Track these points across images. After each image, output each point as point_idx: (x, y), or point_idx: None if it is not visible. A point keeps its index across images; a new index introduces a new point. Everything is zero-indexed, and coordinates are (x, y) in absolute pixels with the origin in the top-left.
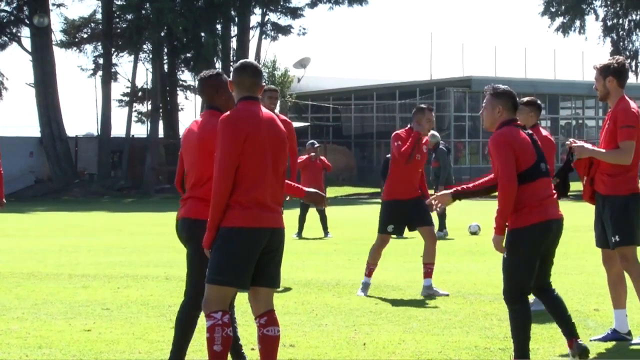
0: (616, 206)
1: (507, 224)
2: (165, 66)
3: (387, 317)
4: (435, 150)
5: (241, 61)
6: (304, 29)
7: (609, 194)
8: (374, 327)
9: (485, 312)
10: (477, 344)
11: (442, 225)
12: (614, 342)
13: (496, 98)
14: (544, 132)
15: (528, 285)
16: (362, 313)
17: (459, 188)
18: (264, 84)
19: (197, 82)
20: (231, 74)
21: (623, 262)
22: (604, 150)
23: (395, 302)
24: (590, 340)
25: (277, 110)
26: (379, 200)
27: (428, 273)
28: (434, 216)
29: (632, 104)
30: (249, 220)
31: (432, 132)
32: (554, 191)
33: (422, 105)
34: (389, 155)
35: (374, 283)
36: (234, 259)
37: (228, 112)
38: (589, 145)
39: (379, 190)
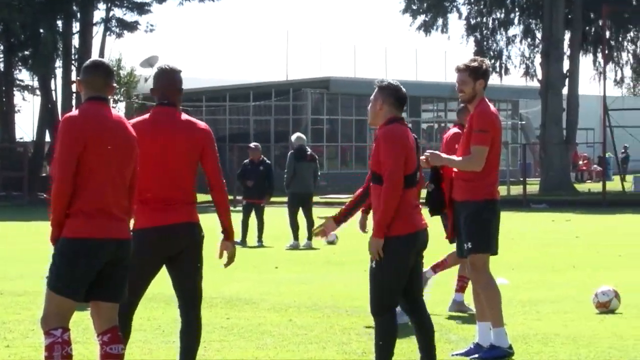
0: (469, 212)
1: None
2: (1, 65)
3: (239, 332)
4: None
5: (92, 59)
6: (152, 25)
7: (463, 200)
8: (225, 344)
9: (343, 327)
10: (334, 359)
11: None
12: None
13: (379, 91)
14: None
15: (396, 297)
16: (212, 329)
17: (336, 214)
18: (114, 84)
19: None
20: (81, 73)
21: (471, 271)
22: (456, 158)
23: (248, 317)
24: (452, 355)
25: (122, 112)
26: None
27: (462, 287)
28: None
29: (491, 107)
30: (93, 231)
31: (297, 134)
32: (428, 202)
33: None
34: (246, 161)
35: (224, 296)
36: (75, 269)
37: (72, 112)
38: (442, 154)
39: (231, 197)
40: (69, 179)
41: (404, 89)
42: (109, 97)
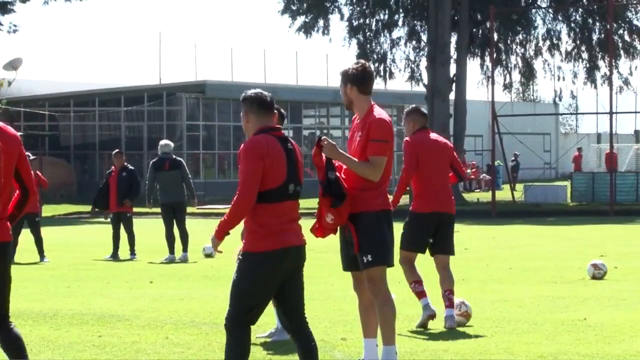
0: (367, 223)
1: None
2: None
3: (111, 351)
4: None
5: None
6: (15, 26)
7: (358, 211)
8: None
9: (222, 344)
10: None
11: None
12: None
13: (243, 104)
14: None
15: (256, 314)
16: (83, 347)
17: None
18: None
19: None
20: None
21: (370, 285)
22: (354, 159)
23: (121, 335)
24: None
25: None
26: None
27: (451, 302)
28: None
29: (385, 115)
30: None
31: (162, 141)
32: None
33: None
34: (109, 170)
35: (95, 313)
36: None
37: None
38: (339, 149)
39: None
40: None
41: (266, 94)
42: None
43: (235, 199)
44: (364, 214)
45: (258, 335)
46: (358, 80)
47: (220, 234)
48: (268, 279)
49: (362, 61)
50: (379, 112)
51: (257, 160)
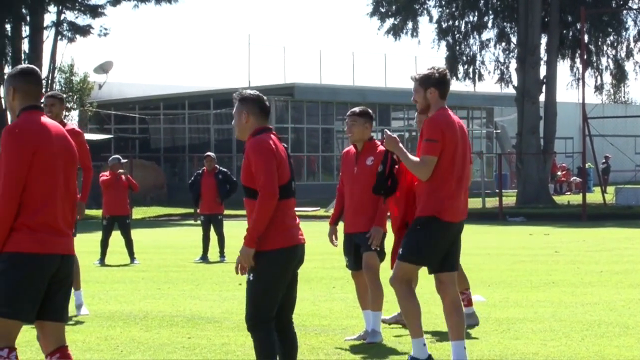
0: (414, 224)
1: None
2: None
3: (201, 353)
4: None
5: (23, 66)
6: (106, 29)
7: (415, 216)
8: None
9: (311, 346)
10: None
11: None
12: None
13: (242, 104)
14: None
15: (273, 312)
16: (173, 349)
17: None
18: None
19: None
20: (12, 80)
21: (391, 278)
22: (409, 155)
23: (211, 337)
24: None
25: (75, 121)
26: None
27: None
28: None
29: (445, 116)
30: (38, 246)
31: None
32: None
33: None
34: (199, 170)
35: (185, 315)
36: (21, 288)
37: (15, 123)
38: (400, 144)
39: (192, 210)
40: (17, 197)
41: (265, 98)
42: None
43: (261, 199)
44: (416, 219)
45: (347, 338)
46: (441, 84)
47: (254, 240)
48: (284, 275)
49: (443, 67)
50: (438, 114)
51: (273, 158)
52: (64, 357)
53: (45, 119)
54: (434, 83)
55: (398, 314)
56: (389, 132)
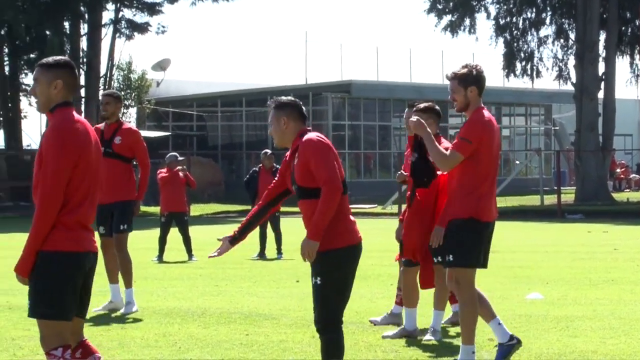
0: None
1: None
2: (6, 68)
3: (259, 349)
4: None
5: (65, 58)
6: (164, 26)
7: (450, 218)
8: None
9: (369, 343)
10: None
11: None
12: None
13: (279, 109)
14: (448, 144)
15: (342, 312)
16: (231, 346)
17: (232, 233)
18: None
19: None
20: (58, 71)
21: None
22: (436, 142)
23: (268, 334)
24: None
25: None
26: None
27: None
28: None
29: (485, 117)
30: (75, 244)
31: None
32: (413, 173)
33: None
34: (255, 168)
35: (243, 312)
36: (63, 287)
37: (61, 123)
38: (427, 130)
39: (249, 207)
40: (62, 195)
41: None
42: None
43: (326, 193)
44: (451, 221)
45: (385, 335)
46: (480, 81)
47: (320, 234)
48: (353, 273)
49: (479, 64)
50: (478, 115)
51: (332, 153)
52: (87, 348)
53: (79, 117)
54: (473, 81)
55: (451, 315)
56: (415, 117)
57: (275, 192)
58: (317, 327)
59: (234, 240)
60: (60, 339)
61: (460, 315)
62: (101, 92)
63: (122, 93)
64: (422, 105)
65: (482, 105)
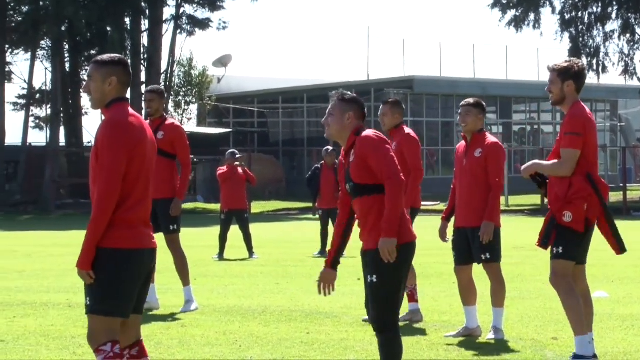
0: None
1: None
2: (67, 65)
3: (320, 348)
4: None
5: (119, 56)
6: (225, 22)
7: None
8: None
9: (430, 342)
10: None
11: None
12: None
13: (346, 104)
14: (493, 139)
15: (399, 310)
16: (292, 344)
17: (326, 260)
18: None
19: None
20: (113, 69)
21: (552, 277)
22: (545, 163)
23: (329, 332)
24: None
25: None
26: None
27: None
28: None
29: (585, 110)
30: (138, 241)
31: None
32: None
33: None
34: (317, 165)
35: (303, 310)
36: (123, 285)
37: (116, 117)
38: (531, 163)
39: (310, 204)
40: (119, 190)
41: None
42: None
43: (392, 187)
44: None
45: (446, 335)
46: (579, 77)
47: (395, 230)
48: (406, 271)
49: (581, 61)
50: (577, 108)
51: (391, 148)
52: (142, 349)
53: (134, 112)
54: (572, 76)
55: (406, 314)
56: (522, 167)
57: (349, 199)
58: (374, 326)
59: (335, 264)
60: (109, 335)
61: (564, 308)
62: (144, 89)
63: (183, 89)
64: (471, 101)
65: (580, 101)
